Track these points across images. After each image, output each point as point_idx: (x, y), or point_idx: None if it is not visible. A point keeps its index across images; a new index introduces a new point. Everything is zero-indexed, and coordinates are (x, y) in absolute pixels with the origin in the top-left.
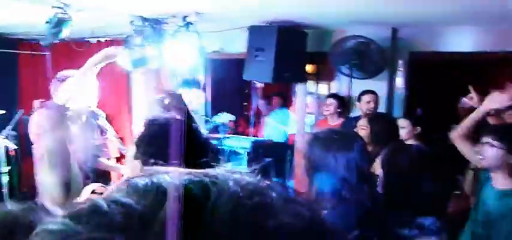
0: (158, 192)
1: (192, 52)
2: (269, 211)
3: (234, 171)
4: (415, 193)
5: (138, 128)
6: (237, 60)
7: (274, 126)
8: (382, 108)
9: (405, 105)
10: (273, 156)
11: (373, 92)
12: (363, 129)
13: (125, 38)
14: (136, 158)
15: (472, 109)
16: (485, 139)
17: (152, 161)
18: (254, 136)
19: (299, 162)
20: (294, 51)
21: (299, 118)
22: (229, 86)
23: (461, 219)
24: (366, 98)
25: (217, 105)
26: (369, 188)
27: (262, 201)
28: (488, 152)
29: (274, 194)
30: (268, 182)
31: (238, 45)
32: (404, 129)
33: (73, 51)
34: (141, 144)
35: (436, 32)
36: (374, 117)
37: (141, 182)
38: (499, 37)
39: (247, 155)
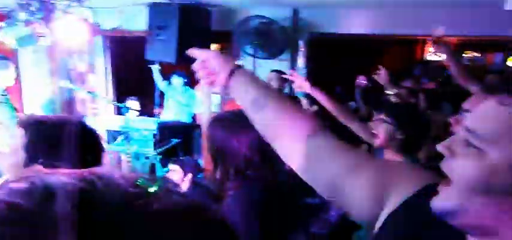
0: (44, 191)
1: (85, 29)
2: (152, 198)
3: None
4: None
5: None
6: (140, 38)
7: (180, 106)
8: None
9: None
10: (180, 137)
11: (278, 71)
12: None
13: (7, 13)
14: (25, 164)
15: (366, 87)
16: (378, 116)
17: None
18: (160, 117)
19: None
20: (198, 30)
21: (205, 98)
22: (132, 65)
23: None
24: (270, 76)
25: (120, 86)
26: (273, 165)
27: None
28: (380, 128)
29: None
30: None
31: (139, 23)
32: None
33: None
34: (27, 146)
35: (334, 14)
36: None
37: (24, 184)
38: (389, 20)
39: (154, 136)
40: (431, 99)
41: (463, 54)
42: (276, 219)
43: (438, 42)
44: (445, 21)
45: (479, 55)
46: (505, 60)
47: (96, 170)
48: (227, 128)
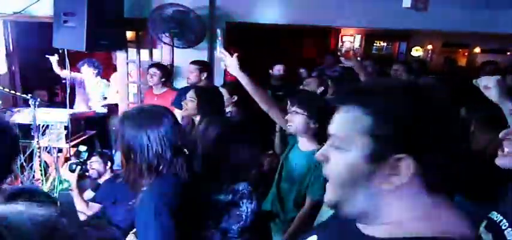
0: None
1: None
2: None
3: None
4: (228, 161)
5: None
6: (48, 23)
7: (95, 97)
8: None
9: (225, 73)
10: (95, 129)
11: (199, 62)
12: (191, 101)
13: None
14: None
15: (281, 76)
16: (292, 108)
17: None
18: (72, 108)
19: None
20: (110, 16)
21: (121, 88)
22: (40, 52)
23: (273, 175)
24: (190, 68)
25: (26, 75)
26: (184, 161)
27: (60, 235)
28: (294, 119)
29: (65, 221)
30: (59, 210)
31: (45, 7)
32: (223, 97)
33: None
34: None
35: (250, 4)
36: (200, 89)
37: None
38: (304, 11)
39: (65, 128)
40: (339, 87)
41: (374, 44)
42: (188, 215)
43: (347, 56)
44: (357, 13)
45: (386, 44)
46: (409, 50)
47: None
48: (137, 124)
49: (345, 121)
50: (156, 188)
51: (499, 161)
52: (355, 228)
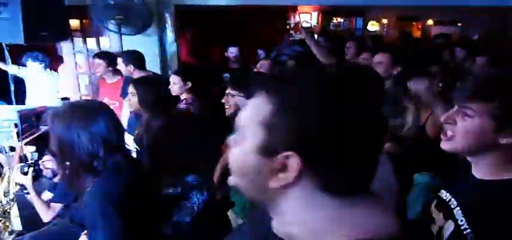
0: None
1: None
2: None
3: None
4: (174, 154)
5: None
6: None
7: (49, 91)
8: (156, 64)
9: (177, 58)
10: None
11: (125, 54)
12: (133, 95)
13: None
14: None
15: (238, 58)
16: (228, 90)
17: None
18: (20, 104)
19: None
20: (50, 4)
21: (71, 79)
22: None
23: None
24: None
25: None
26: (125, 157)
27: None
28: (230, 101)
29: None
30: None
31: None
32: (176, 85)
33: None
34: None
35: None
36: (139, 81)
37: None
38: None
39: (16, 126)
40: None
41: (331, 20)
42: (136, 212)
43: (300, 29)
44: None
45: (343, 21)
46: (366, 25)
47: None
48: (67, 122)
49: (249, 108)
50: (98, 188)
51: (444, 145)
52: (270, 228)
